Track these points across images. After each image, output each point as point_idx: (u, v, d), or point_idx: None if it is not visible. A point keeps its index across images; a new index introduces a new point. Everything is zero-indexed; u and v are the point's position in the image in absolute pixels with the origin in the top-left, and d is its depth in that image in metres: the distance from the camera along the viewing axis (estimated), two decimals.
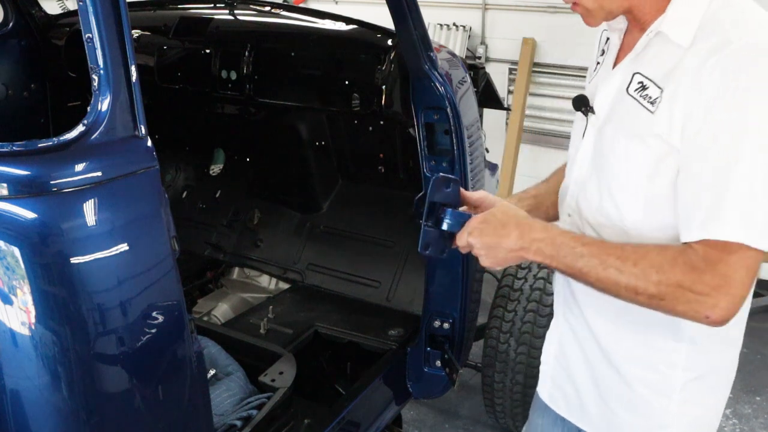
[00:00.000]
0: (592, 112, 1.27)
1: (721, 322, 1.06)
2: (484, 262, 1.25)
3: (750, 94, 1.02)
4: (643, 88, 1.15)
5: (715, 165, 1.04)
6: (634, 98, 1.16)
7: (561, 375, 1.43)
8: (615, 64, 1.25)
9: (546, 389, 1.49)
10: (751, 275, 1.04)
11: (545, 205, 1.46)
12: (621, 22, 1.24)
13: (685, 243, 1.08)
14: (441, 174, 1.34)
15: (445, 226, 1.30)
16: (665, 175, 1.12)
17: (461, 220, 1.29)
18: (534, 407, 1.58)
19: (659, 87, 1.12)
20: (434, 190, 1.32)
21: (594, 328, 1.31)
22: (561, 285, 1.41)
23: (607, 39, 1.32)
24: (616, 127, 1.20)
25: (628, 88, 1.18)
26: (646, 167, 1.13)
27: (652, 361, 1.25)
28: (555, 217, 1.41)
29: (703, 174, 1.05)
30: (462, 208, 1.34)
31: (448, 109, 2.08)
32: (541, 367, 1.50)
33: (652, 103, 1.12)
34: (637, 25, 1.19)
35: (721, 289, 1.03)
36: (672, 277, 1.06)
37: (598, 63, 1.34)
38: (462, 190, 1.35)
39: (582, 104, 1.29)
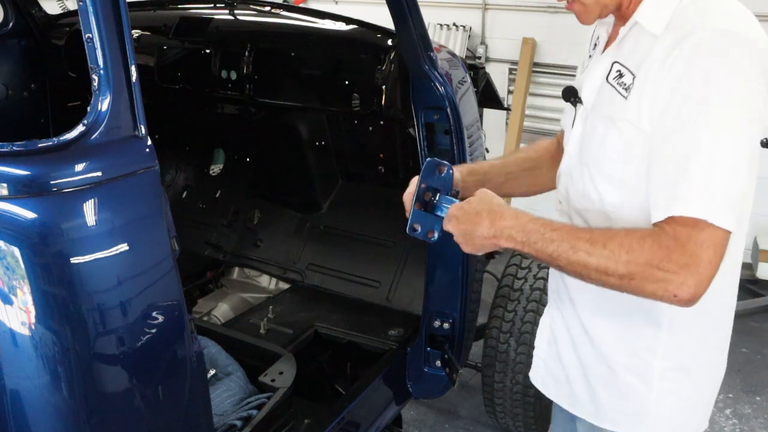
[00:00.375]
0: (580, 102, 1.32)
1: (689, 301, 1.07)
2: (465, 248, 1.29)
3: (711, 78, 1.06)
4: (620, 75, 1.20)
5: (678, 146, 1.08)
6: (612, 86, 1.21)
7: (552, 360, 1.46)
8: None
9: (539, 375, 1.52)
10: (719, 254, 1.06)
11: (494, 182, 1.49)
12: (609, 17, 1.29)
13: (655, 224, 1.11)
14: (434, 158, 1.35)
15: (436, 211, 1.33)
16: (638, 158, 1.16)
17: (448, 206, 1.31)
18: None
19: (633, 74, 1.17)
20: (427, 174, 1.33)
21: (581, 314, 1.35)
22: (554, 272, 1.44)
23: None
24: (596, 114, 1.26)
25: (608, 76, 1.23)
26: (621, 152, 1.18)
27: (634, 347, 1.28)
28: (506, 195, 1.44)
29: (668, 155, 1.09)
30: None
31: (448, 109, 2.08)
32: (534, 352, 1.53)
33: (626, 89, 1.17)
34: (622, 19, 1.25)
35: (688, 267, 1.05)
36: (641, 256, 1.08)
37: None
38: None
39: (571, 95, 1.34)
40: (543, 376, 1.50)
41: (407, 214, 1.38)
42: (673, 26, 1.13)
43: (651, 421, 1.32)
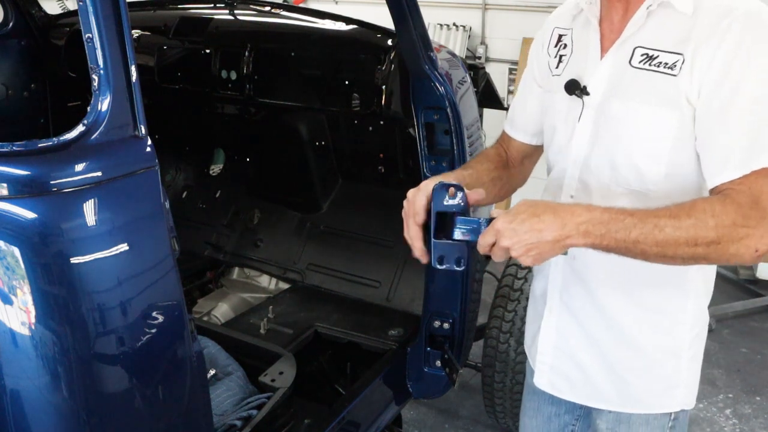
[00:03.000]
0: (586, 93, 1.34)
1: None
2: (526, 261, 1.16)
3: (764, 45, 1.13)
4: (651, 58, 1.23)
5: (743, 109, 1.14)
6: (644, 69, 1.24)
7: (562, 362, 1.47)
8: (604, 48, 1.33)
9: (545, 378, 1.53)
10: None
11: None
12: (595, 15, 1.34)
13: (720, 189, 1.16)
14: (441, 182, 1.24)
15: (458, 236, 1.21)
16: (689, 133, 1.21)
17: (474, 227, 1.20)
18: (525, 393, 1.68)
19: (677, 53, 1.20)
20: (438, 200, 1.23)
21: (604, 304, 1.37)
22: (556, 273, 1.45)
23: (560, 36, 1.44)
24: (626, 98, 1.27)
25: (630, 61, 1.26)
26: (673, 128, 1.21)
27: (663, 325, 1.35)
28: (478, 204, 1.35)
29: (733, 120, 1.14)
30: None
31: (448, 109, 2.08)
32: (538, 358, 1.52)
33: (671, 68, 1.21)
34: (623, 6, 1.29)
35: (763, 221, 1.10)
36: (726, 218, 1.10)
37: (562, 56, 1.43)
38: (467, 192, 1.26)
39: (576, 87, 1.35)
40: (551, 379, 1.51)
41: (409, 239, 1.30)
42: (705, 7, 1.19)
43: (681, 393, 1.40)
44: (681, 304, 1.36)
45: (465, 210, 1.23)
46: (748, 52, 1.14)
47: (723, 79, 1.15)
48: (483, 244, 1.18)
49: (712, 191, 1.18)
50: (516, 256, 1.17)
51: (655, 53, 1.23)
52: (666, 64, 1.21)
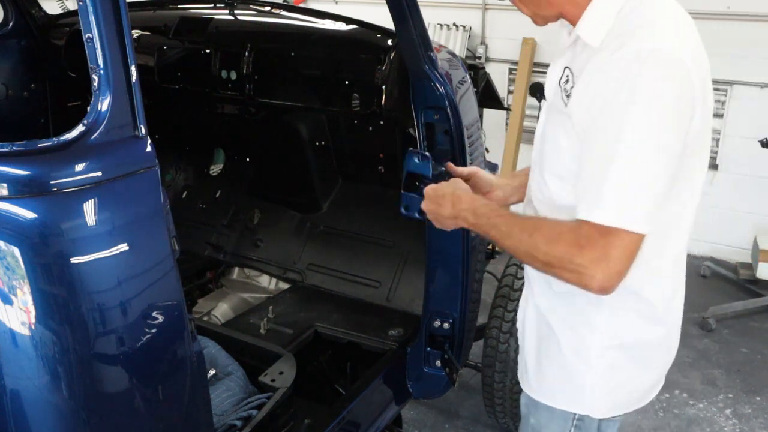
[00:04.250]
0: (545, 98, 1.40)
1: (601, 291, 1.19)
2: (435, 224, 1.52)
3: (634, 95, 1.13)
4: (567, 81, 1.29)
5: (600, 155, 1.17)
6: (561, 88, 1.30)
7: (521, 347, 1.56)
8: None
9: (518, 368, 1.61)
10: (628, 253, 1.17)
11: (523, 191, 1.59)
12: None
13: (578, 219, 1.21)
14: (411, 149, 1.65)
15: (420, 193, 1.56)
16: (576, 157, 1.26)
17: (424, 188, 1.55)
18: None
19: (574, 81, 1.25)
20: (407, 161, 1.61)
21: (536, 295, 1.45)
22: (528, 267, 1.51)
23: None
24: (548, 113, 1.37)
25: (560, 80, 1.31)
26: (565, 149, 1.27)
27: (576, 324, 1.37)
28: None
29: (592, 162, 1.19)
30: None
31: (448, 109, 2.08)
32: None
33: (567, 96, 1.26)
34: (573, 24, 1.33)
35: (599, 262, 1.16)
36: (556, 250, 1.21)
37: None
38: (451, 164, 1.66)
39: (537, 91, 1.44)
40: (520, 367, 1.59)
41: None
42: (610, 38, 1.20)
43: (587, 398, 1.40)
44: (593, 311, 1.34)
45: (426, 174, 1.60)
46: (617, 98, 1.14)
47: (594, 121, 1.18)
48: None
49: None
50: (429, 218, 1.52)
51: (570, 77, 1.27)
52: (567, 90, 1.26)
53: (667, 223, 1.26)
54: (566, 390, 1.42)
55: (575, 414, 1.42)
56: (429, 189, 1.52)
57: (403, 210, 1.62)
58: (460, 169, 1.66)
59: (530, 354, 1.49)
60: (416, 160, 1.61)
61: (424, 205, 1.52)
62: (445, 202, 1.46)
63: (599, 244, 1.16)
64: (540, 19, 1.36)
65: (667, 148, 1.15)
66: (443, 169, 1.66)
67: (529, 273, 1.49)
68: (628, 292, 1.30)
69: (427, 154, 1.61)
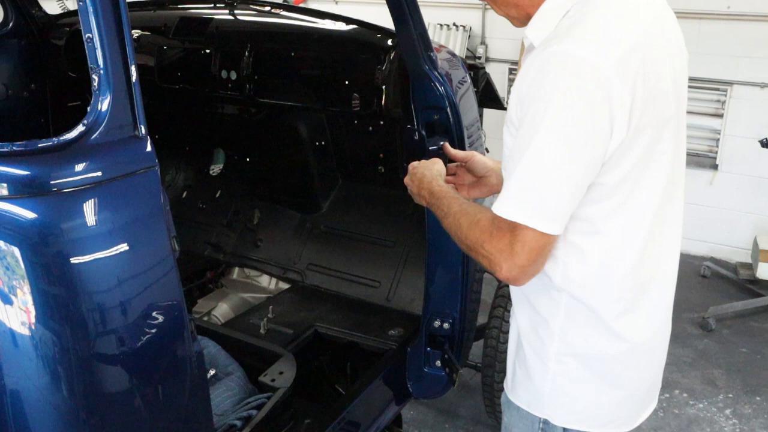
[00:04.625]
0: None
1: (509, 280, 1.25)
2: (414, 200, 1.63)
3: (546, 97, 1.14)
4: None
5: (516, 152, 1.21)
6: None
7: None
8: None
9: None
10: (530, 250, 1.20)
11: None
12: None
13: None
14: (409, 126, 1.91)
15: None
16: None
17: None
18: None
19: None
20: (406, 139, 1.91)
21: (513, 296, 1.47)
22: None
23: None
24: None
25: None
26: (509, 147, 1.29)
27: (538, 327, 1.38)
28: None
29: (512, 158, 1.23)
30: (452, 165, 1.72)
31: (448, 109, 2.08)
32: None
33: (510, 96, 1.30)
34: None
35: (503, 253, 1.21)
36: (473, 234, 1.28)
37: None
38: (447, 146, 1.77)
39: None
40: None
41: None
42: (546, 41, 1.21)
43: (547, 402, 1.40)
44: (551, 316, 1.35)
45: (424, 149, 1.87)
46: (532, 101, 1.16)
47: (516, 121, 1.22)
48: None
49: None
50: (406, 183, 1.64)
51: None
52: (512, 92, 1.28)
53: (611, 236, 1.26)
54: (529, 391, 1.42)
55: (540, 418, 1.41)
56: (410, 166, 1.64)
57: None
58: (456, 152, 1.74)
59: (510, 353, 1.51)
60: (414, 137, 1.82)
61: (405, 180, 1.65)
62: (416, 179, 1.59)
63: (506, 236, 1.21)
64: (514, 21, 1.37)
65: (574, 151, 1.16)
66: (442, 143, 1.78)
67: None
68: (577, 301, 1.31)
69: (423, 132, 1.79)
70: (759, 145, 4.05)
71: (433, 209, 1.49)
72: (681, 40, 1.36)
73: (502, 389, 2.64)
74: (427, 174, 1.58)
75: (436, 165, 1.62)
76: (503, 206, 1.21)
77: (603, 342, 1.34)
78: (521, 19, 1.33)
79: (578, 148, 1.16)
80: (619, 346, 1.34)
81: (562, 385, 1.37)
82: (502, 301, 2.60)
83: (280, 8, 2.67)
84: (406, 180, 1.64)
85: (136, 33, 2.71)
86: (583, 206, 1.23)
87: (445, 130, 2.11)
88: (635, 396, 1.42)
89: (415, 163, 1.64)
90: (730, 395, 3.29)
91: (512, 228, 1.20)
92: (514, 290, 1.46)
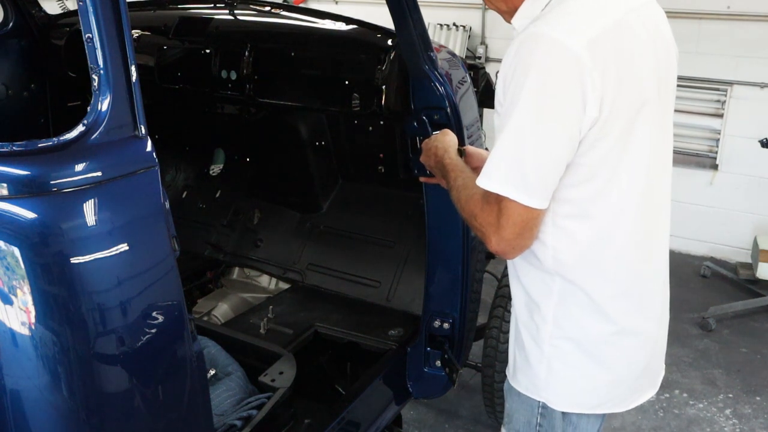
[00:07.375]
0: None
1: (500, 254, 1.31)
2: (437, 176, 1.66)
3: (523, 75, 1.21)
4: None
5: (497, 131, 1.28)
6: None
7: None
8: None
9: None
10: (514, 222, 1.25)
11: None
12: None
13: None
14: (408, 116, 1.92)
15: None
16: None
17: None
18: None
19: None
20: (406, 127, 1.92)
21: (511, 280, 1.50)
22: None
23: None
24: None
25: None
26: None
27: (533, 311, 1.42)
28: None
29: (496, 133, 1.29)
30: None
31: (448, 109, 2.08)
32: None
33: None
34: None
35: (491, 226, 1.27)
36: (468, 206, 1.34)
37: None
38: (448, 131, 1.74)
39: None
40: None
41: None
42: (525, 28, 1.28)
43: (543, 385, 1.43)
44: (544, 300, 1.39)
45: (426, 134, 1.85)
46: (509, 81, 1.23)
47: (504, 100, 1.27)
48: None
49: None
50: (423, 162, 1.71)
51: None
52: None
53: (598, 218, 1.31)
54: (528, 375, 1.46)
55: (539, 402, 1.45)
56: (423, 143, 1.71)
57: (416, 172, 1.82)
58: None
59: (511, 339, 1.54)
60: (414, 125, 1.86)
61: (421, 158, 1.69)
62: (431, 154, 1.64)
63: (494, 209, 1.26)
64: (504, 15, 1.42)
65: (549, 125, 1.22)
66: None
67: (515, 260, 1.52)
68: (570, 283, 1.35)
69: (424, 118, 1.83)
70: (759, 145, 4.05)
71: (444, 181, 1.55)
72: (667, 33, 1.41)
73: (502, 389, 2.66)
74: (440, 146, 1.63)
75: (447, 136, 1.67)
76: (483, 177, 1.27)
77: (594, 324, 1.38)
78: (510, 12, 1.39)
79: (552, 123, 1.22)
80: (607, 327, 1.38)
81: (557, 368, 1.41)
82: (502, 301, 2.60)
83: (280, 8, 2.67)
84: (422, 158, 1.70)
85: (136, 33, 2.71)
86: (567, 188, 1.28)
87: None
88: (626, 379, 1.46)
89: (426, 140, 1.69)
90: (730, 395, 3.29)
91: (498, 201, 1.25)
92: (510, 276, 1.49)
